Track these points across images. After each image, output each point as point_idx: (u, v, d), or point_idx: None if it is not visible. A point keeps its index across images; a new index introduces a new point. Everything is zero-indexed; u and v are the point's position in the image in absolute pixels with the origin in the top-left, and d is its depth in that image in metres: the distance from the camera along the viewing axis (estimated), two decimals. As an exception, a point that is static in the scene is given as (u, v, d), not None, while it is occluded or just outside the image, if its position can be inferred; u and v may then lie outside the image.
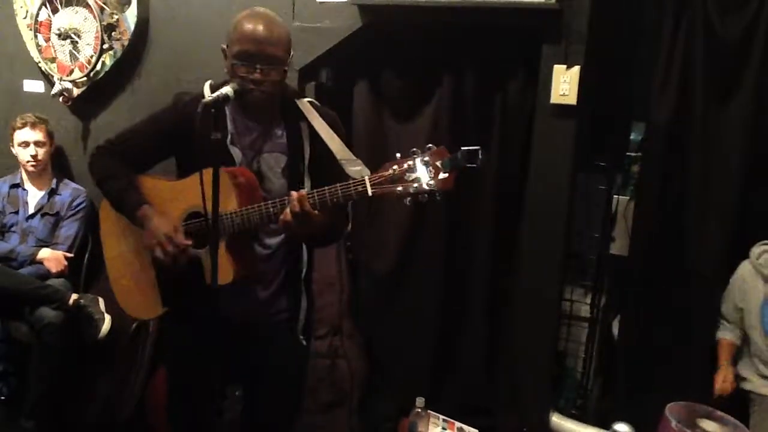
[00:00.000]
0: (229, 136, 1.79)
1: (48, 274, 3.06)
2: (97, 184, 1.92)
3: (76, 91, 3.36)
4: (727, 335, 2.60)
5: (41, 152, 3.19)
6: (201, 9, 3.11)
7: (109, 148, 1.92)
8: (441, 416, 2.78)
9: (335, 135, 1.76)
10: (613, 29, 2.70)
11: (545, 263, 2.69)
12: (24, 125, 3.16)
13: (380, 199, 1.56)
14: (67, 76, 3.33)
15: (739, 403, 2.50)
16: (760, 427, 2.40)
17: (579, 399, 3.05)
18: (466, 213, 2.91)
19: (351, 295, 3.05)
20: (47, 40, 3.36)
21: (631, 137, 3.03)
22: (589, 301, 3.07)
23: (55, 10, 3.31)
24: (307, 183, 1.79)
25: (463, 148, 1.46)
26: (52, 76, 3.38)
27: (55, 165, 3.34)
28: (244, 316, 1.84)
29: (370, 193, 1.53)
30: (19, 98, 3.52)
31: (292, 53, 1.78)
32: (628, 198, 3.00)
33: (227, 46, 1.75)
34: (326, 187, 1.58)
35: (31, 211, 3.20)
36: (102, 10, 3.18)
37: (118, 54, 3.24)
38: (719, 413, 2.26)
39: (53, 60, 3.36)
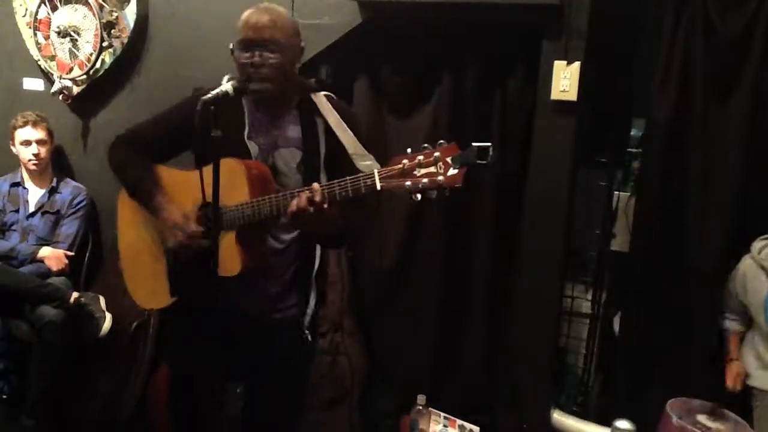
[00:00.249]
0: (246, 131, 1.80)
1: (48, 273, 3.06)
2: (114, 173, 1.95)
3: (75, 89, 3.36)
4: (734, 325, 2.60)
5: (43, 151, 3.19)
6: (200, 6, 3.11)
7: (128, 138, 1.96)
8: (442, 414, 2.78)
9: (349, 130, 1.76)
10: (613, 26, 2.70)
11: (545, 260, 2.69)
12: (26, 123, 3.16)
13: (389, 193, 1.54)
14: (67, 74, 3.33)
15: (740, 399, 2.50)
16: (763, 421, 2.39)
17: (580, 396, 3.05)
18: (466, 211, 2.90)
19: (352, 292, 3.04)
20: (47, 38, 3.36)
21: (632, 133, 3.03)
22: (589, 297, 3.07)
23: (54, 8, 3.31)
24: (323, 179, 1.79)
25: (474, 144, 1.46)
26: (52, 74, 3.38)
27: (55, 164, 3.34)
28: (253, 310, 1.85)
29: (378, 187, 1.52)
30: (19, 96, 3.52)
31: (303, 46, 1.80)
32: (628, 194, 2.99)
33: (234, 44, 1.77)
34: (335, 181, 1.58)
35: (31, 209, 3.20)
36: (101, 7, 3.18)
37: (118, 52, 3.24)
38: (720, 409, 2.26)
39: (53, 58, 3.36)
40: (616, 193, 3.00)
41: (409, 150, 1.51)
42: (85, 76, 3.31)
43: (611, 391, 2.96)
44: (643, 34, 2.72)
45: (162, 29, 3.23)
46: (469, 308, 2.99)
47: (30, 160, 3.16)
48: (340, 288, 3.00)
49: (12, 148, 3.22)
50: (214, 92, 1.56)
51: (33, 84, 3.52)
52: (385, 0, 2.72)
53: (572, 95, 2.50)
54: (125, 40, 3.22)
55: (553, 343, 2.84)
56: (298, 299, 1.90)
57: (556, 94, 2.53)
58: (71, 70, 3.32)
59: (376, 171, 1.53)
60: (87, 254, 3.31)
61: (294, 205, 1.59)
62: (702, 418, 2.24)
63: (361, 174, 1.55)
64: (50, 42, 3.35)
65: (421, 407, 2.71)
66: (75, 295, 2.96)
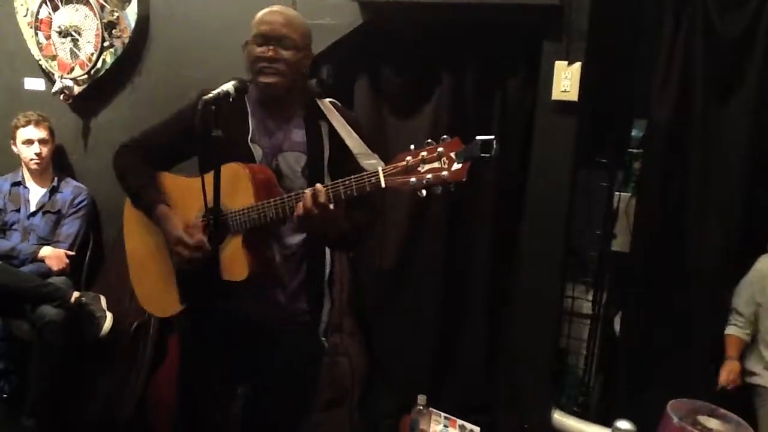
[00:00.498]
0: (250, 133, 1.80)
1: (49, 273, 3.06)
2: (118, 180, 1.94)
3: (76, 89, 3.36)
4: (736, 332, 2.59)
5: (45, 150, 3.19)
6: (201, 6, 3.11)
7: (132, 147, 1.95)
8: (442, 414, 2.78)
9: (353, 132, 1.76)
10: (613, 26, 2.70)
11: (546, 260, 2.69)
12: (28, 123, 3.16)
13: (394, 191, 1.54)
14: (68, 73, 3.33)
15: (741, 401, 2.49)
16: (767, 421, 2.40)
17: (581, 396, 3.05)
18: (467, 211, 2.90)
19: (352, 293, 3.04)
20: (48, 37, 3.36)
21: (633, 134, 3.03)
22: (590, 297, 3.07)
23: (55, 8, 3.31)
24: (327, 183, 1.78)
25: (477, 137, 1.45)
26: (53, 74, 3.38)
27: (56, 163, 3.34)
28: (263, 316, 1.84)
29: (383, 184, 1.51)
30: (20, 96, 3.52)
31: (309, 49, 1.81)
32: (629, 194, 3.00)
33: (246, 41, 1.78)
34: (340, 180, 1.57)
35: (32, 209, 3.20)
36: (102, 7, 3.18)
37: (119, 52, 3.24)
38: (721, 410, 2.26)
39: (54, 58, 3.36)
40: (617, 193, 3.00)
41: (412, 146, 1.50)
42: (86, 76, 3.31)
43: (612, 392, 2.96)
44: (644, 34, 2.72)
45: (163, 29, 3.23)
46: (469, 308, 2.99)
47: (32, 160, 3.16)
48: (340, 288, 2.99)
49: (13, 147, 3.22)
50: (215, 92, 1.56)
51: (34, 84, 3.52)
52: (385, 0, 2.72)
53: (573, 95, 2.51)
54: (126, 40, 3.21)
55: (553, 343, 2.84)
56: (309, 305, 1.89)
57: (557, 95, 2.53)
58: (72, 69, 3.33)
59: (380, 169, 1.52)
60: (88, 254, 3.30)
61: (300, 207, 1.59)
62: (703, 419, 2.24)
63: (365, 173, 1.54)
64: (51, 42, 3.35)
65: (421, 407, 2.71)
66: (76, 294, 2.96)
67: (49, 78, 3.43)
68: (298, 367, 1.92)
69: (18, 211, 3.19)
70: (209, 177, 1.54)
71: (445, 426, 2.77)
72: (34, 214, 3.19)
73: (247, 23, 1.79)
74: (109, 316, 2.96)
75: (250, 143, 1.79)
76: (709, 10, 2.45)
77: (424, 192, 1.48)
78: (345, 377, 2.92)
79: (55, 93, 3.34)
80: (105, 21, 3.18)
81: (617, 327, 2.96)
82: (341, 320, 2.99)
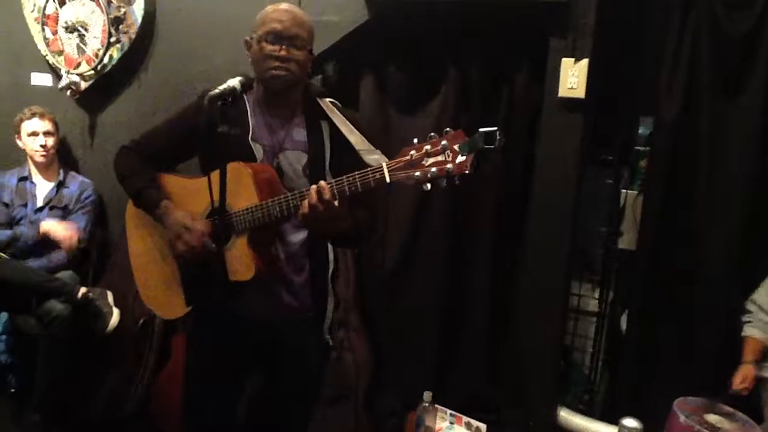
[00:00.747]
0: (251, 132, 1.79)
1: (56, 268, 3.07)
2: (119, 182, 1.93)
3: (83, 85, 3.37)
4: (755, 333, 2.53)
5: (50, 142, 3.20)
6: (207, 2, 3.11)
7: (133, 148, 1.94)
8: (448, 410, 2.78)
9: (355, 130, 1.75)
10: (620, 23, 2.68)
11: (552, 258, 2.68)
12: (33, 115, 3.18)
13: (399, 185, 1.53)
14: (75, 69, 3.34)
15: (748, 399, 2.48)
16: None
17: (586, 394, 3.04)
18: (472, 208, 2.90)
19: (357, 289, 3.04)
20: (54, 33, 3.36)
21: (640, 131, 3.02)
22: (596, 295, 3.07)
23: (62, 3, 3.32)
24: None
25: (481, 129, 1.44)
26: (60, 70, 3.39)
27: (61, 158, 3.35)
28: (267, 314, 1.83)
29: (388, 179, 1.51)
30: (27, 91, 3.53)
31: (314, 53, 1.81)
32: (636, 192, 2.98)
33: (251, 36, 1.77)
34: (344, 176, 1.57)
35: (39, 204, 3.21)
36: (109, 3, 3.19)
37: (126, 47, 3.25)
38: (728, 408, 2.25)
39: (61, 53, 3.37)
40: (623, 191, 2.99)
41: (415, 140, 1.49)
42: (92, 72, 3.31)
43: (618, 390, 2.95)
44: (651, 31, 2.70)
45: (169, 25, 3.23)
46: (474, 305, 2.99)
47: (37, 152, 3.17)
48: (345, 285, 3.00)
49: (18, 141, 3.23)
50: (221, 88, 1.55)
51: (41, 79, 3.53)
52: (391, -3, 2.72)
53: (580, 92, 2.49)
54: (133, 36, 3.22)
55: (559, 341, 2.84)
56: (314, 303, 1.88)
57: (563, 92, 2.52)
58: (79, 65, 3.33)
59: (384, 164, 1.52)
60: (95, 249, 3.31)
61: (305, 204, 1.58)
62: (710, 418, 2.23)
63: (369, 168, 1.54)
64: (58, 37, 3.36)
65: (427, 404, 2.71)
66: (83, 290, 2.97)
67: (56, 73, 3.44)
68: (303, 365, 1.92)
69: (25, 206, 3.20)
70: (214, 176, 1.54)
71: (451, 423, 2.77)
72: (41, 209, 3.20)
73: (253, 19, 1.78)
74: (115, 311, 2.97)
75: (251, 142, 1.78)
76: (716, 8, 2.43)
77: (428, 186, 1.48)
78: (350, 373, 2.93)
79: (62, 88, 3.35)
80: (111, 16, 3.19)
81: (623, 325, 2.95)
82: (347, 316, 2.99)
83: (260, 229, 1.71)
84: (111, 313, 2.95)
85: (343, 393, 2.90)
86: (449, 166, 1.44)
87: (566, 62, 2.50)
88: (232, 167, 1.64)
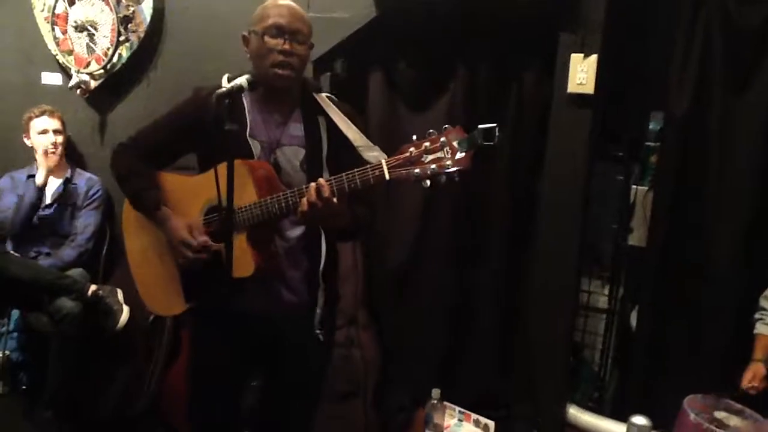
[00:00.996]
0: (248, 129, 1.79)
1: (67, 265, 3.09)
2: (117, 183, 1.94)
3: (93, 84, 3.38)
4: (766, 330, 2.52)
5: (59, 139, 3.22)
6: (215, 0, 3.11)
7: (129, 146, 1.94)
8: (457, 407, 2.78)
9: (353, 125, 1.75)
10: (630, 18, 2.67)
11: (561, 255, 2.67)
12: (42, 113, 3.20)
13: (399, 182, 1.54)
14: (84, 68, 3.35)
15: (760, 396, 2.46)
16: None
17: (596, 391, 3.03)
18: (480, 204, 2.89)
19: (365, 286, 3.04)
20: (64, 32, 3.38)
21: (650, 127, 3.00)
22: (606, 292, 3.05)
23: (71, 3, 3.33)
24: (326, 177, 1.78)
25: (479, 126, 1.45)
26: (70, 69, 3.40)
27: (68, 155, 3.37)
28: (264, 309, 1.83)
29: (387, 176, 1.51)
30: (37, 91, 3.55)
31: (312, 45, 1.80)
32: (646, 188, 2.97)
33: (250, 31, 1.78)
34: (343, 173, 1.57)
35: (48, 201, 3.22)
36: (118, 2, 3.20)
37: (135, 46, 3.26)
38: (739, 406, 2.23)
39: (70, 52, 3.39)
40: (633, 187, 2.97)
41: (414, 137, 1.50)
42: (102, 71, 3.33)
43: (628, 387, 2.94)
44: (661, 26, 2.68)
45: (178, 23, 3.24)
46: (484, 299, 2.98)
47: (47, 149, 3.18)
48: (354, 281, 3.00)
49: (26, 140, 3.24)
50: (229, 86, 1.55)
51: (51, 78, 3.54)
52: (400, -7, 2.71)
53: (589, 88, 2.48)
54: (142, 35, 3.23)
55: (569, 338, 2.83)
56: (308, 297, 1.88)
57: (572, 87, 2.51)
58: (88, 64, 3.35)
59: (383, 161, 1.52)
60: (105, 246, 3.33)
61: (304, 202, 1.59)
62: (720, 415, 2.21)
63: (369, 165, 1.54)
64: (68, 36, 3.37)
65: (435, 401, 2.71)
66: (93, 287, 2.99)
67: (66, 72, 3.46)
68: (303, 360, 1.92)
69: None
70: (221, 173, 1.54)
71: (460, 420, 2.77)
72: (49, 205, 3.22)
73: (258, 16, 1.78)
74: (125, 309, 2.98)
75: (248, 138, 1.78)
76: (727, 2, 2.42)
77: (428, 182, 1.48)
78: (359, 370, 2.93)
79: (72, 87, 3.37)
80: (120, 15, 3.20)
81: (633, 322, 2.94)
82: (356, 313, 3.00)
83: (259, 226, 1.72)
84: (121, 311, 2.97)
85: (351, 389, 2.90)
86: (448, 162, 1.45)
87: (575, 58, 2.49)
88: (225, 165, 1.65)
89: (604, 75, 2.49)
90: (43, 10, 3.41)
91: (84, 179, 3.31)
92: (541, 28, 2.59)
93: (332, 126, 1.78)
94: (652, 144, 2.98)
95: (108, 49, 3.27)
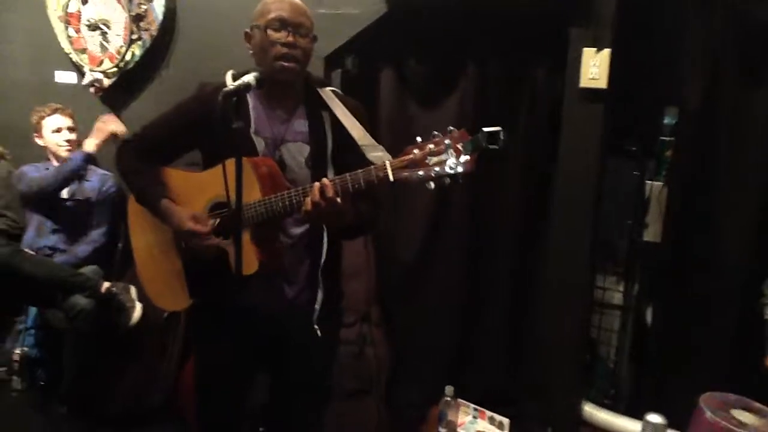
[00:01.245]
0: (252, 126, 1.79)
1: (81, 263, 3.11)
2: (122, 179, 1.96)
3: (106, 82, 3.40)
4: None
5: (73, 137, 3.24)
6: (226, -1, 3.12)
7: (133, 142, 1.95)
8: (472, 405, 2.77)
9: (357, 122, 1.74)
10: (642, 11, 2.63)
11: (575, 251, 2.65)
12: (55, 111, 3.20)
13: (403, 184, 1.52)
14: (98, 66, 3.37)
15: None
16: None
17: (611, 388, 3.01)
18: (492, 200, 2.88)
19: (377, 284, 3.04)
20: (78, 31, 3.40)
21: (665, 121, 2.96)
22: (621, 288, 3.02)
23: (84, 1, 3.34)
24: (330, 173, 1.77)
25: (483, 129, 1.43)
26: (83, 67, 3.42)
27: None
28: (268, 306, 1.83)
29: (391, 178, 1.50)
30: (51, 89, 3.57)
31: (316, 38, 1.79)
32: (661, 184, 2.93)
33: (252, 27, 1.77)
34: (347, 174, 1.56)
35: (63, 196, 3.24)
36: (130, 0, 3.20)
37: (147, 44, 3.28)
38: (756, 404, 2.20)
39: (84, 51, 3.40)
40: (648, 182, 2.94)
41: (419, 139, 1.48)
42: (115, 69, 3.35)
43: (643, 384, 2.91)
44: (673, 20, 2.65)
45: (190, 21, 3.26)
46: (496, 296, 2.97)
47: (62, 147, 3.20)
48: (366, 278, 2.99)
49: (37, 140, 3.25)
50: (236, 84, 1.54)
51: (65, 77, 3.56)
52: (410, -12, 2.70)
53: (602, 83, 2.46)
54: (154, 33, 3.25)
55: (584, 334, 2.81)
56: (311, 295, 1.88)
57: (585, 82, 2.49)
58: (102, 62, 3.36)
59: (387, 162, 1.51)
60: (119, 243, 3.35)
61: (308, 201, 1.58)
62: (737, 413, 2.18)
63: (373, 166, 1.53)
64: (81, 35, 3.39)
65: (449, 398, 2.70)
66: (106, 284, 3.00)
67: (80, 71, 3.47)
68: (305, 356, 1.92)
69: (49, 199, 3.24)
70: (229, 169, 1.53)
71: (474, 417, 2.76)
72: (65, 201, 3.23)
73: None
74: (138, 306, 3.00)
75: (252, 135, 1.77)
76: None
77: (432, 184, 1.47)
78: (371, 367, 2.93)
79: (86, 86, 3.39)
80: (133, 14, 3.21)
81: (649, 318, 2.91)
82: (369, 310, 2.99)
83: (263, 224, 1.71)
84: (134, 308, 2.98)
85: (364, 387, 2.90)
86: (452, 165, 1.44)
87: (588, 52, 2.47)
88: (232, 162, 1.65)
89: (616, 69, 2.46)
90: (56, 9, 3.43)
91: (97, 176, 3.32)
92: (552, 23, 2.57)
93: (337, 122, 1.77)
94: (667, 138, 2.95)
95: (121, 47, 3.29)
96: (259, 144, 1.78)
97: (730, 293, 2.56)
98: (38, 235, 3.17)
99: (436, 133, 1.47)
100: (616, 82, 2.48)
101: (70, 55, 3.46)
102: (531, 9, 2.57)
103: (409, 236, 3.00)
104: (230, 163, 1.52)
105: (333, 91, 1.85)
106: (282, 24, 1.71)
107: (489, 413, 2.76)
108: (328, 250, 1.84)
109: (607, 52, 2.43)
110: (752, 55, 2.42)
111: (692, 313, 2.65)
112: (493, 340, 2.98)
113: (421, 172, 1.47)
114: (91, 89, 3.40)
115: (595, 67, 2.45)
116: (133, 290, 3.04)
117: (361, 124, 1.74)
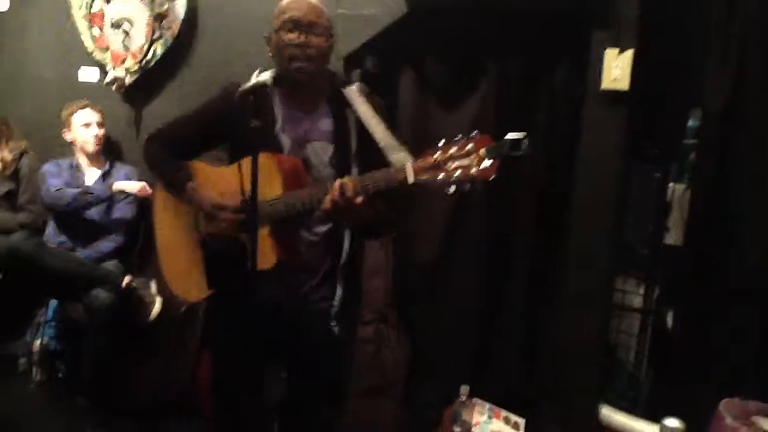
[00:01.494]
0: (279, 124, 1.80)
1: (103, 257, 3.14)
2: (149, 169, 2.02)
3: (128, 80, 3.43)
4: None
5: (101, 132, 3.29)
6: (248, -1, 3.13)
7: (159, 137, 2.00)
8: (487, 404, 2.76)
9: (382, 122, 1.74)
10: (666, 12, 2.60)
11: (595, 254, 2.62)
12: (84, 106, 3.26)
13: (422, 187, 1.52)
14: (120, 64, 3.40)
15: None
16: None
17: (630, 392, 2.98)
18: (512, 202, 2.86)
19: (395, 283, 3.03)
20: (101, 29, 3.43)
21: (689, 123, 2.92)
22: (641, 291, 2.99)
23: (108, 0, 3.38)
24: (354, 173, 1.78)
25: (508, 135, 1.42)
26: (106, 65, 3.45)
27: (106, 149, 3.42)
28: (288, 302, 1.85)
29: (411, 180, 1.50)
30: (75, 87, 3.61)
31: (334, 38, 1.80)
32: (684, 186, 2.89)
33: (270, 32, 1.80)
34: (368, 174, 1.57)
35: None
36: (152, -1, 3.24)
37: (169, 42, 3.30)
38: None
39: (107, 49, 3.44)
40: (670, 185, 2.90)
41: (442, 142, 1.48)
42: (137, 67, 3.37)
43: (662, 388, 2.88)
44: (698, 20, 2.61)
45: (211, 20, 3.28)
46: (515, 297, 2.95)
47: (89, 142, 3.24)
48: (385, 278, 2.99)
49: (66, 135, 3.30)
50: (252, 82, 1.56)
51: (88, 75, 3.60)
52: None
53: (624, 84, 2.43)
54: (176, 32, 3.27)
55: (603, 337, 2.78)
56: (329, 291, 1.89)
57: (607, 84, 2.46)
58: (124, 60, 3.40)
59: (409, 164, 1.50)
60: (140, 239, 3.38)
61: (328, 200, 1.59)
62: (758, 420, 2.15)
63: (393, 167, 1.53)
64: (104, 34, 3.42)
65: (464, 398, 2.69)
66: (127, 279, 3.04)
67: (103, 69, 3.51)
68: (322, 353, 1.92)
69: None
70: (245, 167, 1.55)
71: (490, 417, 2.75)
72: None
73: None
74: (158, 300, 3.03)
75: (278, 134, 1.79)
76: (765, -3, 2.35)
77: (452, 189, 1.46)
78: (389, 366, 2.93)
79: (108, 83, 3.42)
80: (155, 12, 3.24)
81: (669, 322, 2.87)
82: (387, 309, 2.99)
83: (283, 221, 1.73)
84: (153, 303, 3.02)
85: (381, 386, 2.90)
86: (473, 170, 1.43)
87: (610, 53, 2.45)
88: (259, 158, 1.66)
89: (639, 71, 2.44)
90: (81, 8, 3.47)
91: (123, 171, 3.35)
92: (574, 23, 2.55)
93: (361, 122, 1.78)
94: (691, 141, 2.91)
95: (143, 45, 3.32)
96: (285, 143, 1.80)
97: (753, 297, 2.52)
98: (59, 229, 3.21)
99: (459, 136, 1.46)
100: (638, 84, 2.45)
101: (93, 54, 3.49)
102: (552, 9, 2.55)
103: (428, 237, 2.99)
104: (248, 162, 1.53)
105: (359, 87, 1.85)
106: (295, 25, 1.73)
107: (504, 413, 2.75)
108: (350, 248, 1.85)
109: (629, 53, 2.40)
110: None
111: (713, 317, 2.61)
112: (511, 342, 2.97)
113: (441, 176, 1.47)
114: (114, 87, 3.43)
115: (617, 69, 2.42)
116: (153, 285, 3.07)
117: (384, 122, 1.74)
